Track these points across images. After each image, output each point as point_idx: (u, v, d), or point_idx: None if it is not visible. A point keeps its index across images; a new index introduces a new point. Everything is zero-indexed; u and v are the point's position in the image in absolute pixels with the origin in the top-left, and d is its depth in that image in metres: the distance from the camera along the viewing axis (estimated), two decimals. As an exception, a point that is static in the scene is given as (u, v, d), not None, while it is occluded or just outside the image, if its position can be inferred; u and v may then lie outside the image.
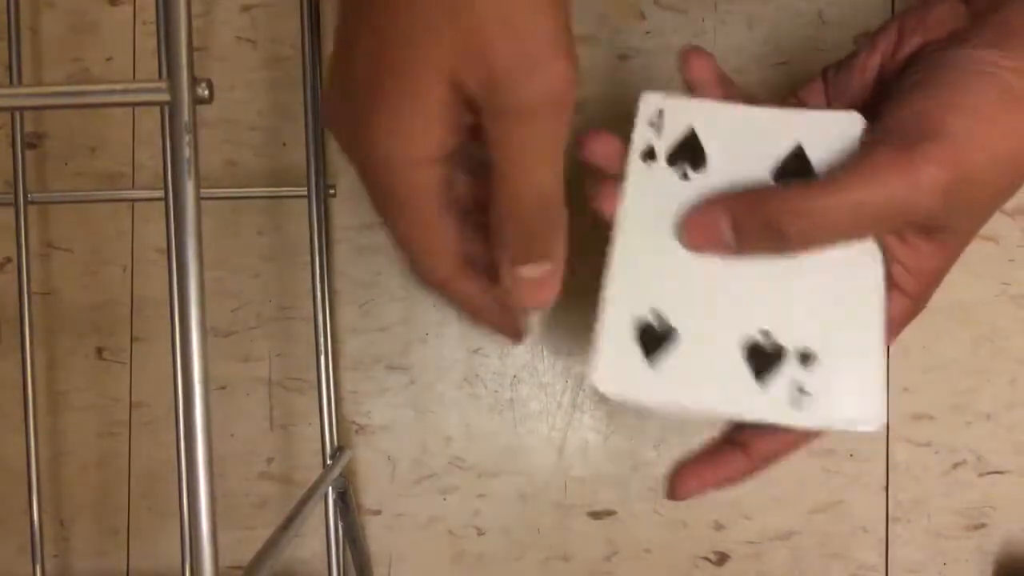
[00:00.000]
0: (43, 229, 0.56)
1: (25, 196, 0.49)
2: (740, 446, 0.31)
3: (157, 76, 0.52)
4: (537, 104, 0.24)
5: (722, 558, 0.54)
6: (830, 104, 0.33)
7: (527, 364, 0.54)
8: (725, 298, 0.29)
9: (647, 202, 0.30)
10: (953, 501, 0.53)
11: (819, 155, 0.29)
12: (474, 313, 0.30)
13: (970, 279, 0.53)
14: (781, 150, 0.29)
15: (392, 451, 0.55)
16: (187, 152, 0.21)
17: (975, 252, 0.54)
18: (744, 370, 0.28)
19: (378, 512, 0.55)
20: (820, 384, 0.28)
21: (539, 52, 0.23)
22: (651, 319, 0.29)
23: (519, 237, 0.26)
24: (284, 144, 0.56)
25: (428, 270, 0.28)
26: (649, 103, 0.31)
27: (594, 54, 0.54)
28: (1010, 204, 0.53)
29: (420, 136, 0.24)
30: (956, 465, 0.53)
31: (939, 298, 0.53)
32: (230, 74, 0.56)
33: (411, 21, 0.23)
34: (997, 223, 0.53)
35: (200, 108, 0.22)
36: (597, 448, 0.54)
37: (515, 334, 0.31)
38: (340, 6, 0.25)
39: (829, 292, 0.29)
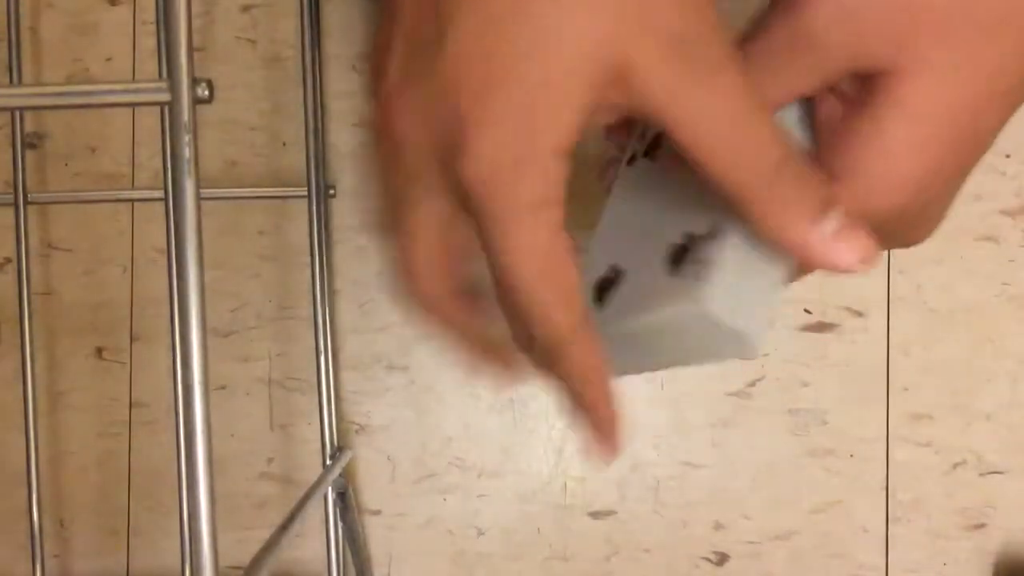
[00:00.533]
0: (43, 229, 0.56)
1: (25, 196, 0.49)
2: None
3: (157, 76, 0.52)
4: (728, 58, 0.20)
5: (722, 558, 0.54)
6: None
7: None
8: (662, 223, 0.28)
9: (626, 189, 0.30)
10: (953, 501, 0.53)
11: None
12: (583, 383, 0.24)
13: (970, 279, 0.53)
14: None
15: (392, 451, 0.55)
16: (187, 152, 0.21)
17: (975, 252, 0.54)
18: (663, 269, 0.26)
19: (378, 512, 0.55)
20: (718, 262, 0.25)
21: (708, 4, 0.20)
22: (607, 273, 0.28)
23: (789, 192, 0.21)
24: (284, 144, 0.56)
25: (565, 311, 0.22)
26: None
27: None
28: (1010, 204, 0.53)
29: (563, 122, 0.20)
30: (956, 465, 0.53)
31: (939, 298, 0.54)
32: (230, 74, 0.56)
33: None
34: (997, 223, 0.53)
35: (200, 108, 0.22)
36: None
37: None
38: None
39: None
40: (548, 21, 0.20)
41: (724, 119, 0.21)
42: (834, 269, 0.22)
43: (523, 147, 0.20)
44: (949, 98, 0.22)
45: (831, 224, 0.21)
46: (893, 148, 0.22)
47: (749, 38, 0.24)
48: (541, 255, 0.21)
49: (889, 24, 0.22)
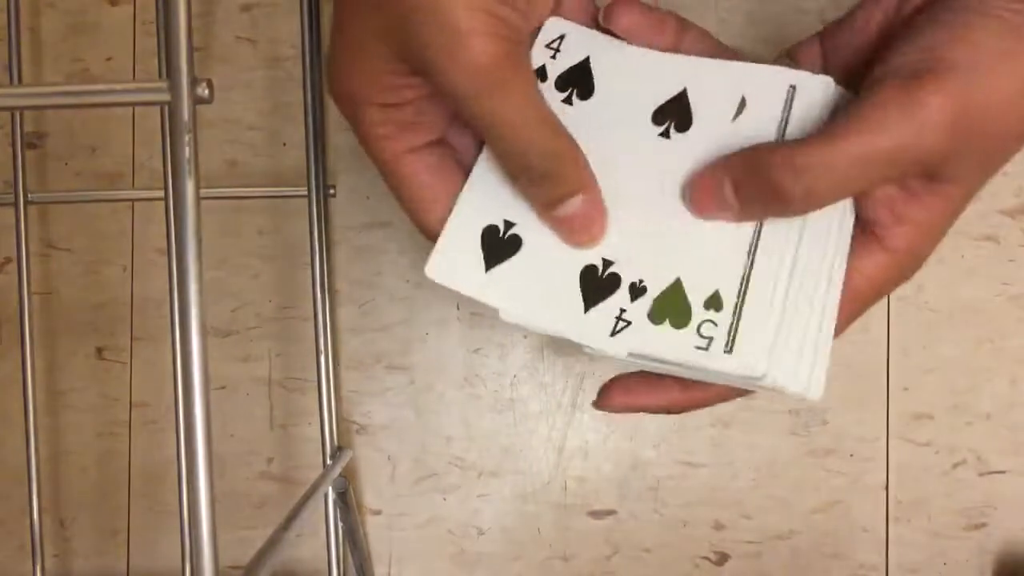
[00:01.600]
0: (43, 229, 0.56)
1: (25, 196, 0.49)
2: (679, 380, 0.29)
3: (157, 76, 0.52)
4: (469, 85, 0.25)
5: (722, 558, 0.54)
6: (826, 61, 0.31)
7: (527, 364, 0.54)
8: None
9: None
10: (953, 501, 0.53)
11: (756, 108, 0.28)
12: None
13: (970, 279, 0.53)
14: (666, 93, 0.29)
15: (392, 451, 0.55)
16: (187, 152, 0.21)
17: (975, 252, 0.54)
18: (575, 294, 0.28)
19: (378, 512, 0.55)
20: (719, 330, 0.26)
21: (456, 34, 0.24)
22: (499, 226, 0.29)
23: (532, 184, 0.27)
24: (284, 144, 0.56)
25: (405, 208, 0.30)
26: (552, 27, 0.30)
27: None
28: (1010, 204, 0.53)
29: (364, 81, 0.27)
30: (956, 465, 0.53)
31: (939, 298, 0.54)
32: (230, 74, 0.56)
33: None
34: (997, 223, 0.53)
35: (200, 108, 0.22)
36: (597, 448, 0.54)
37: None
38: None
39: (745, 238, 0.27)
40: (351, 15, 0.27)
41: (485, 129, 0.26)
42: (569, 243, 0.28)
43: (344, 86, 0.28)
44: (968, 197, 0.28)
45: (568, 209, 0.27)
46: (938, 233, 0.28)
47: (863, 134, 0.26)
48: (374, 157, 0.28)
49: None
